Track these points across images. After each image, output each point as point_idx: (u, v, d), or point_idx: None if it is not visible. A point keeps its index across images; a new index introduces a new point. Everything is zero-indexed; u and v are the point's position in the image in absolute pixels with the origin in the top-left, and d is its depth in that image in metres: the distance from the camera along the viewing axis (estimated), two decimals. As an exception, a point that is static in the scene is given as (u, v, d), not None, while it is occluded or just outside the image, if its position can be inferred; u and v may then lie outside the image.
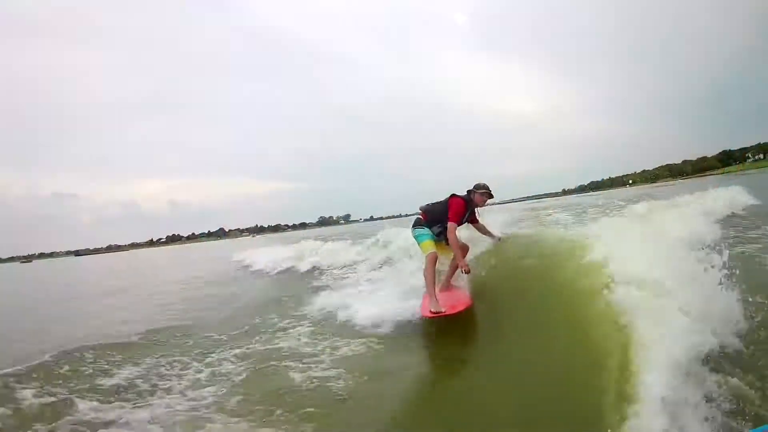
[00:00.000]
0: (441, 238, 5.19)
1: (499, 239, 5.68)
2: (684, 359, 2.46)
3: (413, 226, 5.25)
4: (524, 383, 3.23)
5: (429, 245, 5.01)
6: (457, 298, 4.95)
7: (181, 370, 4.55)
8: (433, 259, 4.92)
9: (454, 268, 5.35)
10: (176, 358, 4.91)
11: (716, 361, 2.75)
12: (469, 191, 5.26)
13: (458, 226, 5.11)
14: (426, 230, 5.14)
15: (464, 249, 5.20)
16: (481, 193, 5.22)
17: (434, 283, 4.89)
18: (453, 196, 5.20)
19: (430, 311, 4.58)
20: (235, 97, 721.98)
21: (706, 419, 2.28)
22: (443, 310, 4.56)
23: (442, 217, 5.12)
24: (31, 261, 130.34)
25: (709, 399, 2.41)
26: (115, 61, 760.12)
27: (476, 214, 5.45)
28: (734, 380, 2.64)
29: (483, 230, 5.62)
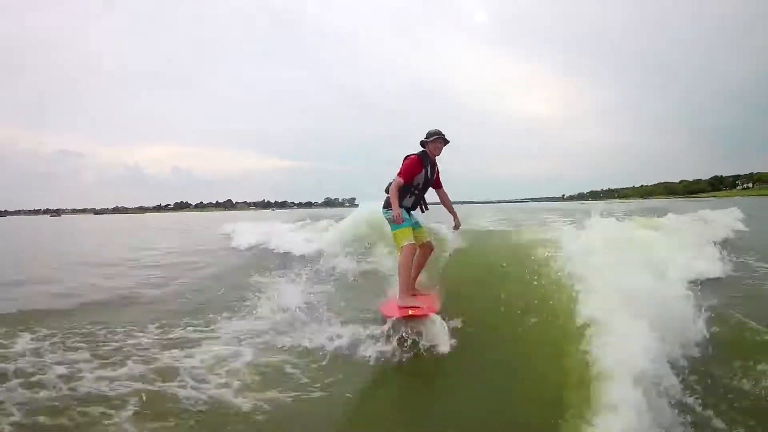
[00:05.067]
0: (415, 211, 4.63)
1: (456, 227, 5.01)
2: (647, 373, 2.39)
3: (386, 207, 4.43)
4: (493, 395, 3.00)
5: (406, 234, 4.31)
6: (426, 300, 4.32)
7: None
8: (411, 252, 4.31)
9: (419, 266, 4.69)
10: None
11: (678, 374, 2.70)
12: (422, 143, 4.48)
13: (413, 186, 4.45)
14: (407, 218, 4.39)
15: (429, 247, 4.68)
16: (434, 140, 4.41)
17: (409, 279, 4.35)
18: (407, 156, 4.48)
19: (398, 306, 4.10)
20: (246, 72, 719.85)
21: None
22: (417, 305, 4.05)
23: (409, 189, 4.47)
24: (60, 215, 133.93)
25: (669, 410, 2.37)
26: (130, 29, 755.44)
27: (438, 174, 4.65)
28: (691, 398, 2.60)
29: (447, 203, 4.90)
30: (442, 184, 4.74)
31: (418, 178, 4.41)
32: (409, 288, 4.34)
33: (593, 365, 2.53)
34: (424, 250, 4.64)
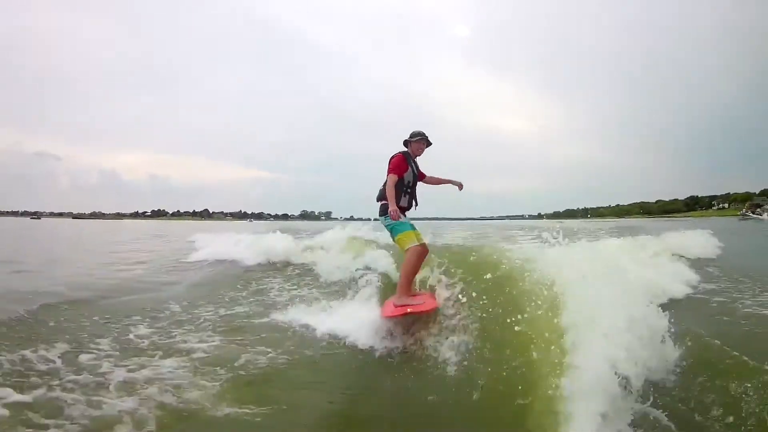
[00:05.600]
0: (408, 213, 4.69)
1: (460, 187, 5.08)
2: (614, 389, 2.47)
3: (384, 215, 4.49)
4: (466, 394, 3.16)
5: (410, 237, 4.42)
6: (423, 298, 4.45)
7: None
8: (417, 253, 4.40)
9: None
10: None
11: (646, 390, 2.78)
12: (405, 142, 4.69)
13: (405, 185, 4.56)
14: (404, 218, 4.50)
15: (423, 252, 4.51)
16: (417, 140, 4.64)
17: (411, 280, 4.51)
18: (392, 156, 4.61)
19: (393, 304, 4.28)
20: (226, 82, 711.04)
21: None
22: (412, 303, 4.25)
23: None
24: (39, 218, 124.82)
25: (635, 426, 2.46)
26: (113, 31, 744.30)
27: (420, 168, 4.80)
28: (659, 411, 2.69)
29: (437, 180, 4.99)
30: (425, 174, 4.85)
31: (407, 175, 4.54)
32: (408, 290, 4.48)
33: (562, 381, 2.59)
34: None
